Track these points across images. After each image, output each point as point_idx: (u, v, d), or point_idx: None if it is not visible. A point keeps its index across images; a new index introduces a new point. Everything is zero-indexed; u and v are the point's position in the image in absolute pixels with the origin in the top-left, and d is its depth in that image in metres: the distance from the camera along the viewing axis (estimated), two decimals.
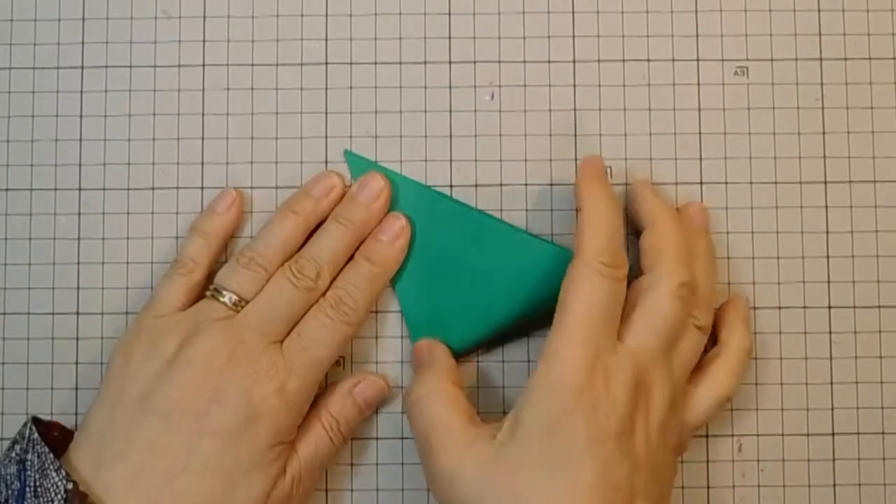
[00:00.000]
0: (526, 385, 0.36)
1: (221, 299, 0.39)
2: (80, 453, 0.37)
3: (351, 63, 0.43)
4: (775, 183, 0.43)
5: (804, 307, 0.42)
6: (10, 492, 0.35)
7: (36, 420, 0.38)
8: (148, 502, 0.36)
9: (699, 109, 0.43)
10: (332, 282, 0.40)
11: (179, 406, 0.37)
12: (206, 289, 0.40)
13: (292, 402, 0.38)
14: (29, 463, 0.35)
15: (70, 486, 0.35)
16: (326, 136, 0.43)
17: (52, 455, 0.35)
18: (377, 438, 0.42)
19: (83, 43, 0.43)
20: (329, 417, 0.40)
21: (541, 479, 0.34)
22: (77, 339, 0.42)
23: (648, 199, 0.40)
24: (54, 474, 0.35)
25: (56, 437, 0.39)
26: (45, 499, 0.34)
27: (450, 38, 0.43)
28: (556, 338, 0.36)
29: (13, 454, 0.36)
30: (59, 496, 0.34)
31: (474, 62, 0.43)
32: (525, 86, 0.43)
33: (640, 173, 0.42)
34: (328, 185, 0.41)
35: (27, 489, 0.35)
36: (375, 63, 0.43)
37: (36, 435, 0.36)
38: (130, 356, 0.38)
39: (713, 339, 0.40)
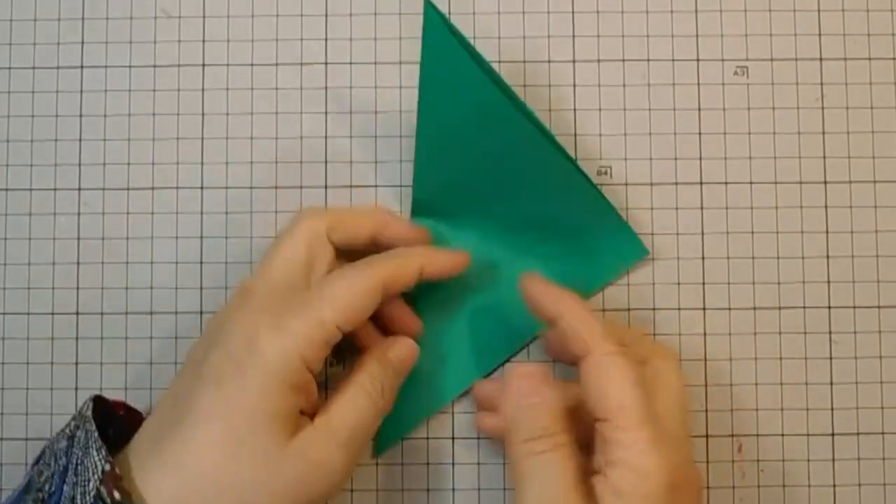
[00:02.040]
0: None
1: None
2: (137, 443, 0.36)
3: (351, 63, 0.43)
4: (775, 183, 0.43)
5: (804, 307, 0.42)
6: (57, 466, 0.35)
7: (99, 398, 0.37)
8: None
9: (699, 109, 0.43)
10: None
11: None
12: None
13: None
14: (76, 439, 0.35)
15: (107, 466, 0.33)
16: (326, 137, 0.43)
17: (96, 433, 0.34)
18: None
19: (83, 43, 0.43)
20: (373, 381, 0.38)
21: None
22: (77, 338, 0.42)
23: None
24: (95, 453, 0.34)
25: (123, 416, 0.38)
26: (83, 478, 0.34)
27: None
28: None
29: (67, 429, 0.36)
30: (96, 476, 0.33)
31: None
32: (525, 86, 0.43)
33: (640, 172, 0.42)
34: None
35: (70, 466, 0.34)
36: (375, 63, 0.43)
37: (89, 412, 0.36)
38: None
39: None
